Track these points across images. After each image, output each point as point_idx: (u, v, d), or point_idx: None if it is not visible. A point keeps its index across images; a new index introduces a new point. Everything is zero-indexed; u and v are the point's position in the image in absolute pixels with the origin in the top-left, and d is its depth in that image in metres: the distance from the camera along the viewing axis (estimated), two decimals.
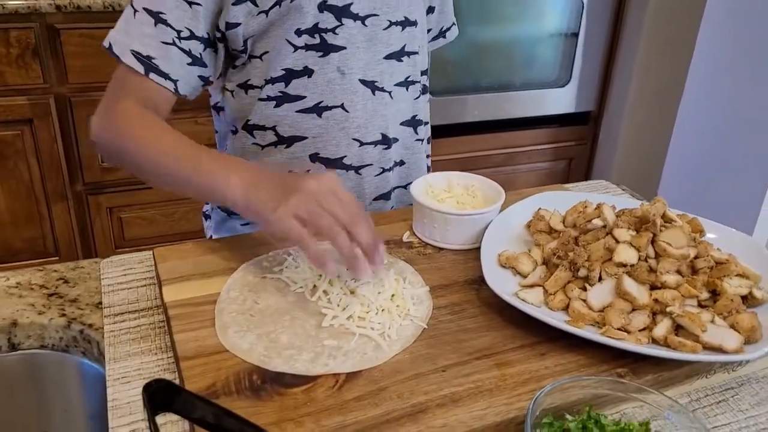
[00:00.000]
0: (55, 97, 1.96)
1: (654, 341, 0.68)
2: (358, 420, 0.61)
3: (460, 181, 0.94)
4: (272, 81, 0.95)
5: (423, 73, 1.07)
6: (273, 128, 0.98)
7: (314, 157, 1.00)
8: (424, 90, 1.08)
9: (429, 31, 1.11)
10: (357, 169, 1.01)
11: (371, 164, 1.02)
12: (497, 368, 0.68)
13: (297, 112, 0.97)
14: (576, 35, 2.53)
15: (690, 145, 2.43)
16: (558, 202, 0.90)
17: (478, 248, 0.86)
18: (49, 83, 1.94)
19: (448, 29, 1.14)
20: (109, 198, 2.15)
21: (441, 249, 0.88)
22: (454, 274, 0.83)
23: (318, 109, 0.97)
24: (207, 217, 1.15)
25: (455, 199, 0.91)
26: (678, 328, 0.68)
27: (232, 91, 0.99)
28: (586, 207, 0.82)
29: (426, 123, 1.10)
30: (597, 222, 0.77)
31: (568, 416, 0.62)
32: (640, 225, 0.75)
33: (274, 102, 0.96)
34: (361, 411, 0.62)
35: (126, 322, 0.76)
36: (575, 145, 2.85)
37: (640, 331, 0.68)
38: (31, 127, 1.97)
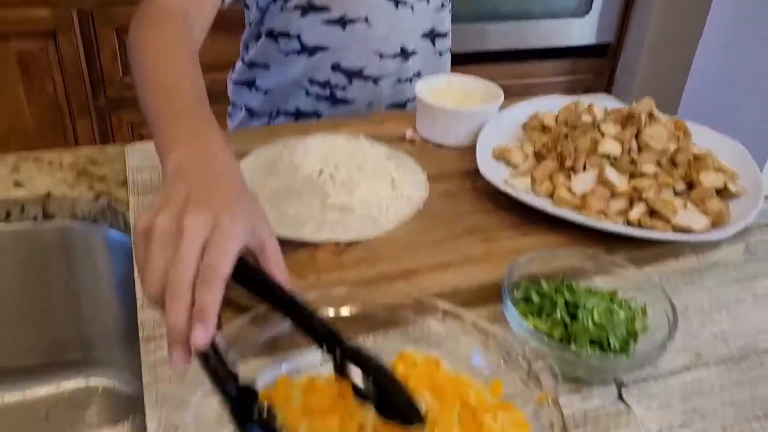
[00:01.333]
0: (78, 11, 2.00)
1: (629, 224, 0.74)
2: (355, 277, 0.68)
3: (461, 83, 0.98)
4: None
5: None
6: (297, 36, 1.03)
7: (335, 67, 1.05)
8: (444, 2, 1.11)
9: None
10: (375, 80, 1.06)
11: (390, 75, 1.07)
12: (484, 243, 0.74)
13: (321, 23, 1.01)
14: None
15: (708, 83, 2.43)
16: (555, 106, 0.95)
17: (475, 145, 0.92)
18: None
19: None
20: (131, 113, 2.21)
21: (441, 146, 0.93)
22: (451, 167, 0.89)
23: (342, 22, 1.01)
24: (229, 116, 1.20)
25: (455, 100, 0.96)
26: (652, 214, 0.74)
27: (262, 7, 1.03)
28: (577, 106, 0.87)
29: (445, 35, 1.14)
30: (586, 118, 0.82)
31: (543, 282, 0.68)
32: (626, 122, 0.80)
33: (300, 11, 1.00)
34: (357, 271, 0.69)
35: (149, 197, 0.83)
36: (592, 78, 2.85)
37: (617, 214, 0.74)
38: (54, 40, 2.02)
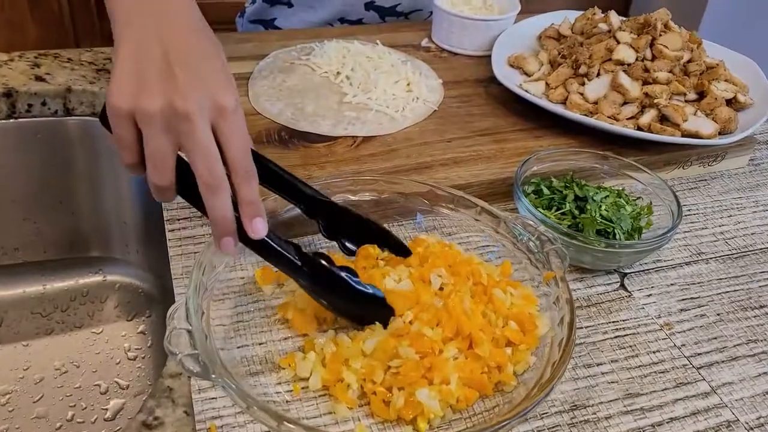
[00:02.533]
0: None
1: (639, 129, 0.76)
2: (372, 169, 0.70)
3: None
4: None
5: None
6: None
7: (368, 6, 1.03)
8: None
9: None
10: (407, 15, 1.05)
11: (421, 9, 1.05)
12: (496, 143, 0.76)
13: None
14: None
15: (729, 7, 2.37)
16: (571, 17, 0.95)
17: (490, 55, 0.93)
18: None
19: None
20: None
21: (456, 54, 0.94)
22: (465, 73, 0.90)
23: None
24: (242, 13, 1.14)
25: (473, 10, 0.96)
26: (663, 119, 0.76)
27: None
28: (594, 14, 0.88)
29: None
30: (603, 27, 0.83)
31: (554, 179, 0.71)
32: (642, 30, 0.81)
33: None
34: (374, 163, 0.71)
35: None
36: (609, 3, 2.80)
37: (628, 119, 0.76)
38: None
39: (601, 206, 0.65)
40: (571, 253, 0.62)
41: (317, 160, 0.70)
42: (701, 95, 0.79)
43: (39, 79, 0.86)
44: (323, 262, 0.52)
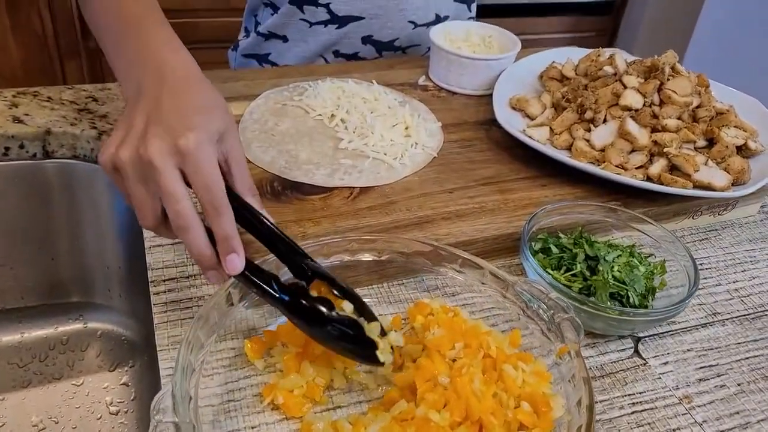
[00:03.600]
0: None
1: (649, 179, 0.73)
2: (370, 224, 0.66)
3: (479, 31, 0.95)
4: None
5: None
6: (326, 5, 0.95)
7: (366, 39, 0.99)
8: None
9: None
10: (405, 49, 1.02)
11: (419, 44, 1.03)
12: (500, 194, 0.73)
13: None
14: None
15: (714, 43, 2.39)
16: (572, 56, 0.92)
17: (491, 95, 0.90)
18: None
19: None
20: None
21: (455, 93, 0.91)
22: (465, 115, 0.86)
23: None
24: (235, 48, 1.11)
25: (471, 48, 0.93)
26: (672, 169, 0.73)
27: None
28: (599, 56, 0.85)
29: (474, 1, 1.10)
30: (608, 69, 0.80)
31: (561, 234, 0.67)
32: (648, 74, 0.78)
33: None
34: (372, 218, 0.67)
35: None
36: (595, 36, 2.81)
37: (636, 168, 0.73)
38: None
39: (613, 267, 0.62)
40: (583, 318, 0.59)
41: (312, 214, 0.67)
42: (711, 141, 0.76)
43: (17, 120, 0.82)
44: (303, 294, 0.51)
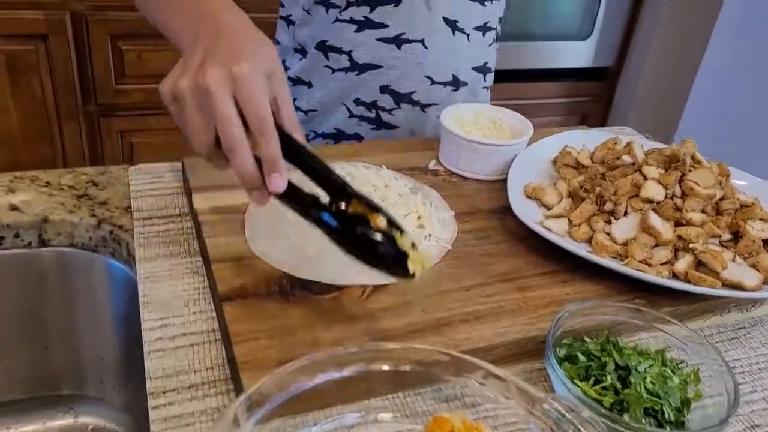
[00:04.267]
0: (71, 14, 1.93)
1: (674, 276, 0.69)
2: (384, 328, 0.62)
3: (489, 114, 0.94)
4: (357, 3, 0.93)
5: (500, 20, 1.06)
6: (348, 53, 0.97)
7: (384, 89, 1.00)
8: (497, 38, 1.07)
9: None
10: (423, 107, 1.02)
11: (438, 104, 1.02)
12: (519, 291, 0.69)
13: (377, 40, 0.95)
14: None
15: (708, 110, 2.41)
16: (585, 140, 0.90)
17: (503, 180, 0.87)
18: None
19: None
20: (121, 121, 2.14)
21: (466, 178, 0.88)
22: (478, 203, 0.84)
23: (399, 41, 0.96)
24: None
25: (482, 132, 0.91)
26: (698, 265, 0.70)
27: (308, 10, 0.98)
28: (615, 144, 0.83)
29: (492, 72, 1.10)
30: (626, 159, 0.77)
31: (587, 339, 0.64)
32: (668, 164, 0.76)
33: (356, 26, 0.95)
34: (386, 320, 0.63)
35: (155, 226, 0.77)
36: (590, 101, 2.84)
37: (661, 264, 0.70)
38: (45, 43, 1.94)
39: (645, 378, 0.58)
40: None
41: (324, 317, 0.63)
42: (735, 234, 0.74)
43: (13, 208, 0.79)
44: (341, 209, 0.57)
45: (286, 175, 0.57)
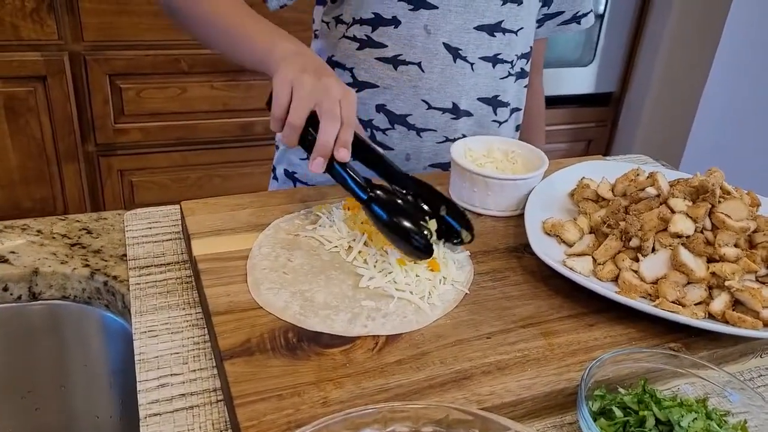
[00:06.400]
0: (69, 55, 1.91)
1: (711, 316, 0.65)
2: (401, 383, 0.57)
3: (501, 146, 0.90)
4: (360, 22, 0.95)
5: (522, 56, 1.02)
6: (350, 70, 0.99)
7: (380, 108, 0.99)
8: (521, 74, 1.03)
9: (560, 14, 1.06)
10: (419, 131, 0.99)
11: (435, 130, 0.99)
12: (544, 337, 0.64)
13: (376, 59, 0.96)
14: (602, 15, 2.48)
15: (713, 131, 2.38)
16: (601, 171, 0.86)
17: (518, 216, 0.83)
18: (63, 40, 1.89)
19: (584, 15, 1.07)
20: (121, 160, 2.11)
21: (480, 215, 0.84)
22: (494, 241, 0.79)
23: (395, 62, 0.95)
24: (275, 178, 1.13)
25: (494, 165, 0.87)
26: (735, 303, 0.65)
27: (327, 23, 1.00)
28: (638, 175, 0.78)
29: (514, 108, 1.06)
30: (651, 191, 0.73)
31: (621, 390, 0.59)
32: (696, 195, 0.71)
33: (358, 44, 0.96)
34: (402, 374, 0.58)
35: (152, 275, 0.72)
36: (595, 127, 2.81)
37: (696, 305, 0.65)
38: (44, 84, 1.92)
39: None
40: None
41: (333, 373, 0.58)
42: None
43: (2, 260, 0.74)
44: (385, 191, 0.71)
45: (350, 155, 0.71)
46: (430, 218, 0.72)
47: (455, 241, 0.74)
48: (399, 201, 0.71)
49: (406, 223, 0.68)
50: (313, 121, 0.71)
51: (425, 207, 0.74)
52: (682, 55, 2.42)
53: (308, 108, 0.70)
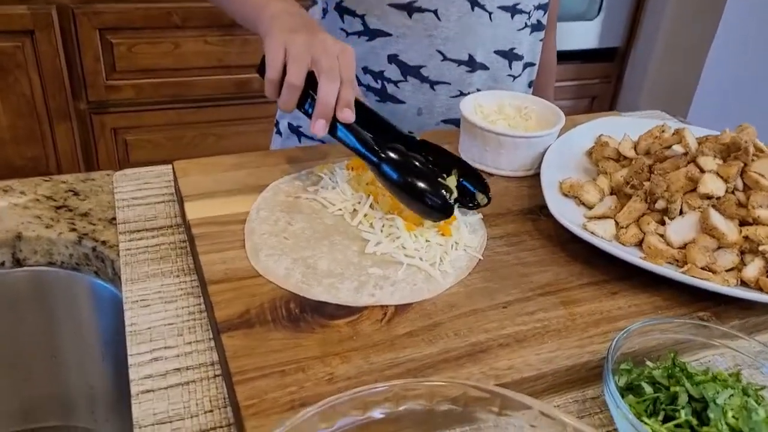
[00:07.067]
0: (57, 7, 1.83)
1: (743, 283, 0.60)
2: (412, 358, 0.53)
3: (513, 102, 0.84)
4: None
5: (539, 7, 0.96)
6: (362, 17, 0.92)
7: (392, 59, 0.93)
8: (537, 27, 0.98)
9: None
10: (432, 84, 0.93)
11: (449, 83, 0.93)
12: (564, 306, 0.60)
13: (389, 5, 0.89)
14: None
15: (722, 88, 2.31)
16: (620, 128, 0.81)
17: (532, 176, 0.78)
18: None
19: None
20: (114, 118, 2.05)
21: (492, 175, 0.79)
22: (508, 202, 0.74)
23: (410, 8, 0.89)
24: (278, 132, 1.08)
25: (507, 121, 0.82)
26: None
27: None
28: (663, 132, 0.73)
29: (528, 63, 1.00)
30: (677, 148, 0.68)
31: (648, 363, 0.55)
32: (727, 153, 0.66)
33: None
34: (414, 348, 0.54)
35: (143, 240, 0.68)
36: (599, 83, 2.74)
37: (727, 271, 0.60)
38: (32, 39, 1.85)
39: (726, 412, 0.49)
40: None
41: (339, 347, 0.54)
42: None
43: None
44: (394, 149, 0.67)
45: (353, 115, 0.67)
46: (447, 176, 0.68)
47: (470, 204, 0.69)
48: (413, 160, 0.66)
49: (421, 184, 0.64)
50: (310, 82, 0.66)
51: (436, 170, 0.69)
52: (691, 5, 2.34)
53: (305, 65, 0.67)
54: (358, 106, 0.68)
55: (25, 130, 1.98)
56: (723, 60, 2.27)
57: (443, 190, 0.64)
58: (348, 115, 0.66)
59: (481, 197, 0.69)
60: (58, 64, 1.90)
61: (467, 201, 0.70)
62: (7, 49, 1.84)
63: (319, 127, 0.66)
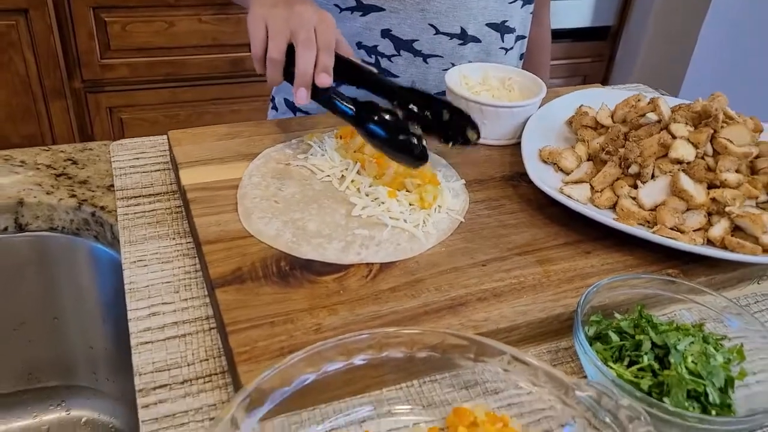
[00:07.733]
0: None
1: (710, 242, 0.64)
2: (395, 310, 0.57)
3: (497, 74, 0.87)
4: None
5: None
6: None
7: (385, 33, 0.95)
8: (528, 0, 1.00)
9: None
10: (425, 58, 0.95)
11: (441, 56, 0.95)
12: (540, 265, 0.63)
13: None
14: None
15: (713, 66, 2.34)
16: (601, 99, 0.84)
17: (514, 144, 0.81)
18: None
19: None
20: (109, 97, 2.07)
21: (474, 144, 0.82)
22: (490, 169, 0.77)
23: None
24: (274, 108, 1.10)
25: (491, 92, 0.85)
26: (735, 230, 0.64)
27: None
28: (639, 101, 0.76)
29: (519, 36, 1.02)
30: (651, 116, 0.71)
31: (617, 315, 0.58)
32: (698, 121, 0.69)
33: None
34: (397, 302, 0.58)
35: (140, 205, 0.71)
36: (591, 62, 2.75)
37: (694, 231, 0.64)
38: (26, 17, 1.86)
39: (686, 357, 0.52)
40: (655, 424, 0.49)
41: (327, 300, 0.57)
42: None
43: None
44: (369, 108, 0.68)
45: (331, 79, 0.69)
46: (419, 123, 0.70)
47: (461, 140, 0.72)
48: (386, 115, 0.68)
49: (401, 136, 0.67)
50: (293, 54, 0.69)
51: (428, 114, 0.72)
52: None
53: (285, 39, 0.69)
54: (349, 65, 0.71)
55: (21, 109, 1.99)
56: (714, 39, 2.29)
57: (416, 139, 0.67)
58: (324, 80, 0.68)
59: (471, 133, 0.72)
60: (53, 42, 1.91)
61: (458, 137, 0.72)
62: (0, 28, 1.84)
63: (300, 95, 0.68)
